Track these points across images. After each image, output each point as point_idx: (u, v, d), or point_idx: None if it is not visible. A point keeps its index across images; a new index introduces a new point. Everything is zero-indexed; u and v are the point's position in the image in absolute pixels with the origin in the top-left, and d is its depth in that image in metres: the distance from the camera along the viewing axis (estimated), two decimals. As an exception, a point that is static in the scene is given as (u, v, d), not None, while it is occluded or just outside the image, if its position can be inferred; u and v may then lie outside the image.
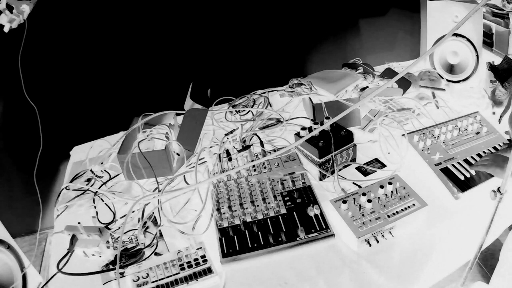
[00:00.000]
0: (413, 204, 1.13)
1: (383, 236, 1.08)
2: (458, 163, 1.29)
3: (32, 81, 1.44)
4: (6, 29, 1.17)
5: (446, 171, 1.26)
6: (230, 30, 2.07)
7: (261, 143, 1.47)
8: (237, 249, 1.07)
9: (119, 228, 1.19)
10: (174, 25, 1.97)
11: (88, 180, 1.39)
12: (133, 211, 1.22)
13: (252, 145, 1.45)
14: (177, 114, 1.62)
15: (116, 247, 1.09)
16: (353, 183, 1.29)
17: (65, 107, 2.03)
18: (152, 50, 2.00)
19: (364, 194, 1.14)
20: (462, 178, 1.23)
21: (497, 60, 1.55)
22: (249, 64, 2.18)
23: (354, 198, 1.15)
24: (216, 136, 1.59)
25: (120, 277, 1.02)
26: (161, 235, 1.18)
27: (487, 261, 1.94)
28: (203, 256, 1.06)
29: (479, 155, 1.33)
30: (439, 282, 1.28)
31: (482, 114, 1.49)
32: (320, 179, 1.33)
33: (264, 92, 1.87)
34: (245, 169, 1.33)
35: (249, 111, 1.74)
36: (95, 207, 1.29)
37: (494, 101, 1.57)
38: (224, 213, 1.17)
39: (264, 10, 2.08)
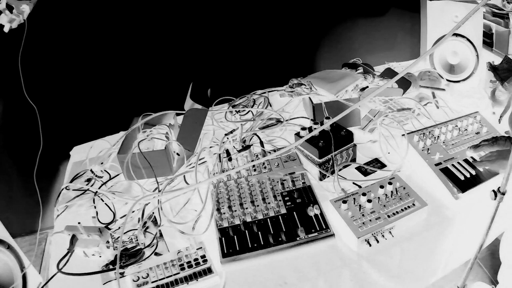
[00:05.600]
0: (413, 204, 1.13)
1: (383, 236, 1.08)
2: (458, 163, 1.29)
3: (32, 81, 1.44)
4: (6, 29, 1.17)
5: (446, 171, 1.25)
6: (230, 30, 2.07)
7: (261, 143, 1.47)
8: (237, 249, 1.06)
9: (119, 228, 1.19)
10: (174, 25, 1.97)
11: (88, 180, 1.38)
12: (133, 211, 1.22)
13: (252, 145, 1.45)
14: (177, 114, 1.61)
15: (116, 247, 1.09)
16: (353, 183, 1.29)
17: (65, 107, 2.03)
18: (152, 50, 2.00)
19: (364, 194, 1.14)
20: (462, 178, 1.23)
21: (497, 60, 1.55)
22: (249, 64, 2.18)
23: (354, 198, 1.15)
24: (216, 136, 1.59)
25: (120, 277, 1.02)
26: (161, 235, 1.18)
27: (487, 261, 1.94)
28: (203, 256, 1.06)
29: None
30: (439, 282, 1.28)
31: (482, 114, 1.49)
32: (320, 179, 1.33)
33: (264, 92, 1.87)
34: (245, 169, 1.33)
35: (249, 111, 1.74)
36: (95, 207, 1.29)
37: (494, 101, 1.57)
38: (224, 213, 1.17)
39: (264, 10, 2.08)
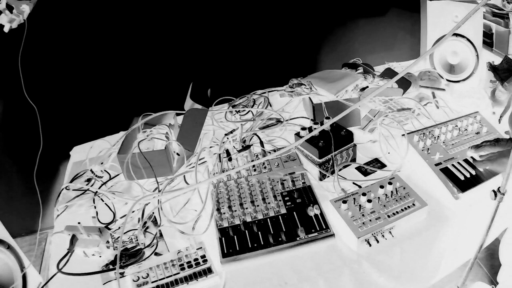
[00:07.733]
0: (413, 204, 1.13)
1: (383, 236, 1.08)
2: (458, 163, 1.29)
3: (32, 81, 1.44)
4: (6, 29, 1.17)
5: (446, 171, 1.25)
6: (230, 30, 2.07)
7: (261, 143, 1.47)
8: (237, 249, 1.06)
9: (119, 228, 1.19)
10: (174, 25, 1.97)
11: (88, 180, 1.38)
12: (133, 211, 1.22)
13: (252, 145, 1.45)
14: (177, 114, 1.61)
15: (116, 247, 1.09)
16: (353, 183, 1.29)
17: (65, 107, 2.03)
18: (152, 50, 2.00)
19: (364, 194, 1.14)
20: (462, 178, 1.23)
21: (497, 60, 1.55)
22: (249, 64, 2.18)
23: (354, 198, 1.15)
24: (216, 136, 1.59)
25: (120, 277, 1.02)
26: (161, 235, 1.18)
27: (487, 261, 1.94)
28: (203, 256, 1.06)
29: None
30: (439, 282, 1.28)
31: (482, 114, 1.49)
32: (320, 179, 1.33)
33: (264, 92, 1.87)
34: (245, 169, 1.33)
35: (249, 111, 1.74)
36: (95, 207, 1.29)
37: (494, 101, 1.57)
38: (224, 213, 1.17)
39: (264, 10, 2.08)
